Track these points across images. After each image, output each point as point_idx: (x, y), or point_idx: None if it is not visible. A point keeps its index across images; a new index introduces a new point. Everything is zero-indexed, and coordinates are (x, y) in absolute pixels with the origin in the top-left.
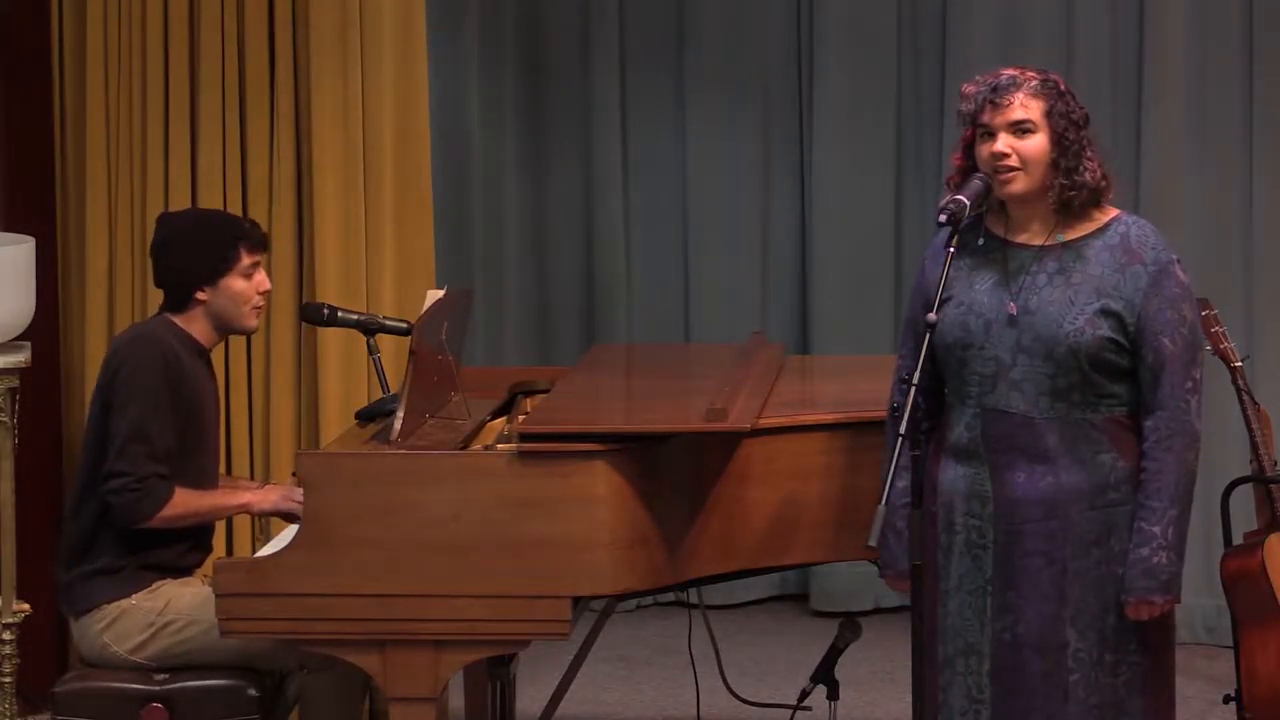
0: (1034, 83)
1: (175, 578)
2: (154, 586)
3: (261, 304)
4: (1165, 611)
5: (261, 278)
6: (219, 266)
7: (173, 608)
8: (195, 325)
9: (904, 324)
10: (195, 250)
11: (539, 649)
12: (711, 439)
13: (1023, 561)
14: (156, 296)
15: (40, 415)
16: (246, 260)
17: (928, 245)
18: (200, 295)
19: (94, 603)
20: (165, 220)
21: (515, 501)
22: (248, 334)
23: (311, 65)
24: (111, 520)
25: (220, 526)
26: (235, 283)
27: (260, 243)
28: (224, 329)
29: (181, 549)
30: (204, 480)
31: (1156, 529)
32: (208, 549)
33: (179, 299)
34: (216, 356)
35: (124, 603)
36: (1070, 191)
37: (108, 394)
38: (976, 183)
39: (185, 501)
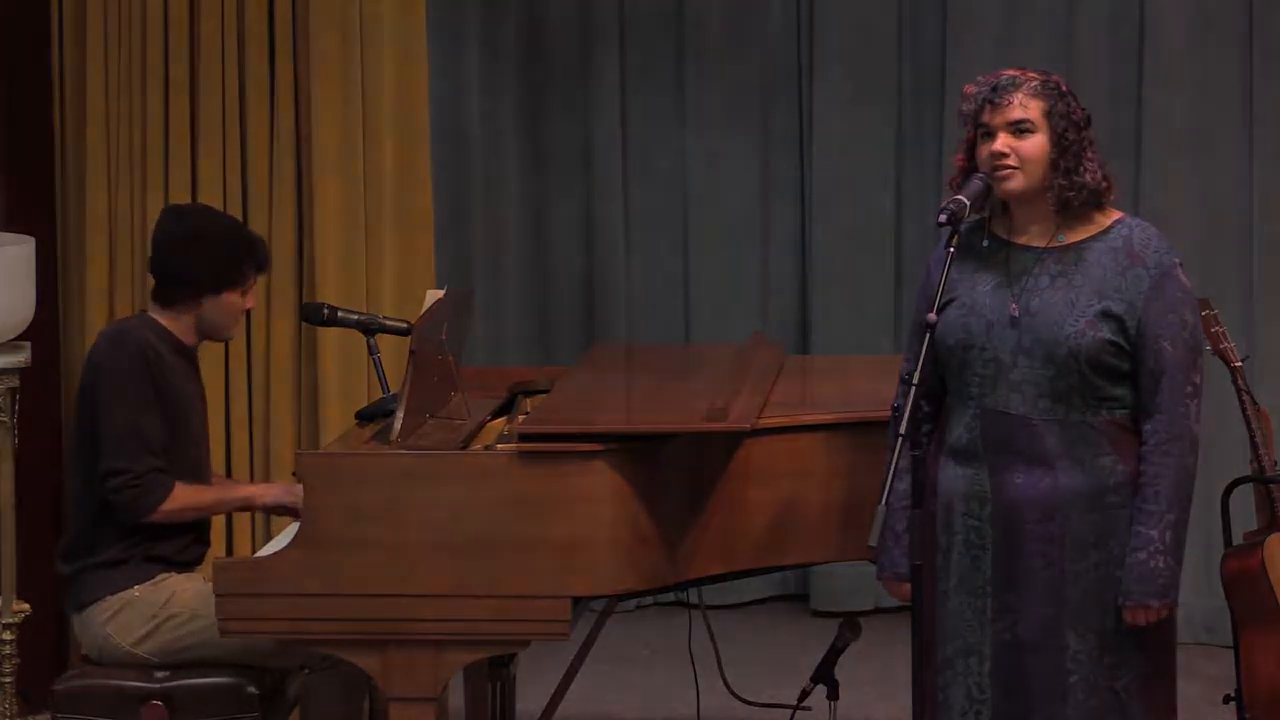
0: (1034, 83)
1: (179, 571)
2: (157, 579)
3: (242, 317)
4: (1163, 616)
5: (252, 295)
6: (232, 283)
7: (176, 601)
8: (179, 324)
9: (910, 326)
10: (214, 259)
11: (539, 649)
12: (712, 439)
13: (1022, 563)
14: None
15: (40, 415)
16: (252, 280)
17: (932, 246)
18: (200, 300)
19: (97, 595)
20: (185, 214)
21: (515, 501)
22: (225, 342)
23: (311, 65)
24: (113, 515)
25: (220, 525)
26: (234, 297)
27: (268, 265)
28: (205, 334)
29: (184, 542)
30: (196, 476)
31: (1154, 533)
32: (207, 542)
33: (175, 296)
34: (217, 357)
35: (127, 594)
36: (1069, 192)
37: (92, 394)
38: (976, 183)
39: (186, 495)
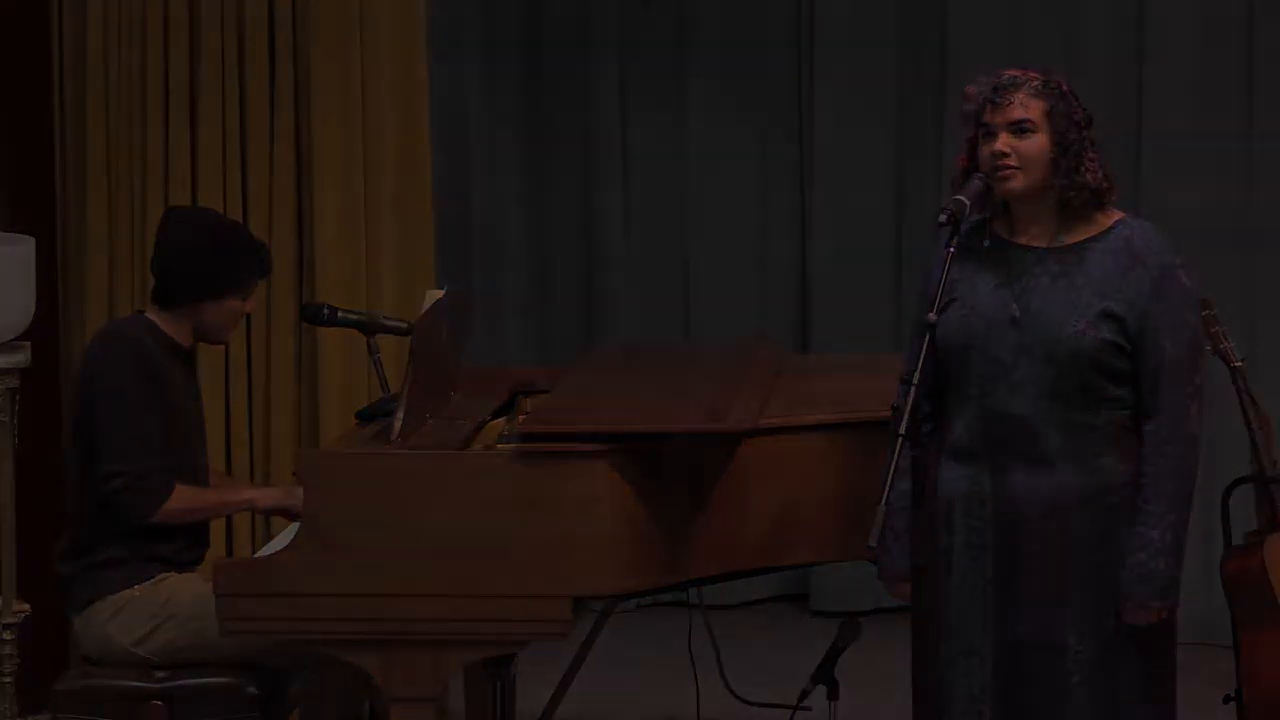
0: (1035, 83)
1: (179, 571)
2: (157, 579)
3: (241, 320)
4: (1162, 617)
5: (253, 299)
6: (234, 288)
7: (176, 601)
8: (177, 326)
9: (910, 326)
10: (217, 265)
11: (539, 649)
12: (712, 439)
13: (1023, 563)
14: None
15: (40, 415)
16: (254, 285)
17: (932, 246)
18: (201, 304)
19: (97, 595)
20: (189, 218)
21: (516, 501)
22: (220, 344)
23: (311, 65)
24: (113, 515)
25: (220, 526)
26: (235, 302)
27: (270, 270)
28: (202, 336)
29: (184, 542)
30: (194, 477)
31: (1155, 534)
32: (207, 543)
33: (176, 299)
34: (216, 357)
35: (128, 594)
36: (1070, 192)
37: (90, 396)
38: (976, 183)
39: (187, 497)
